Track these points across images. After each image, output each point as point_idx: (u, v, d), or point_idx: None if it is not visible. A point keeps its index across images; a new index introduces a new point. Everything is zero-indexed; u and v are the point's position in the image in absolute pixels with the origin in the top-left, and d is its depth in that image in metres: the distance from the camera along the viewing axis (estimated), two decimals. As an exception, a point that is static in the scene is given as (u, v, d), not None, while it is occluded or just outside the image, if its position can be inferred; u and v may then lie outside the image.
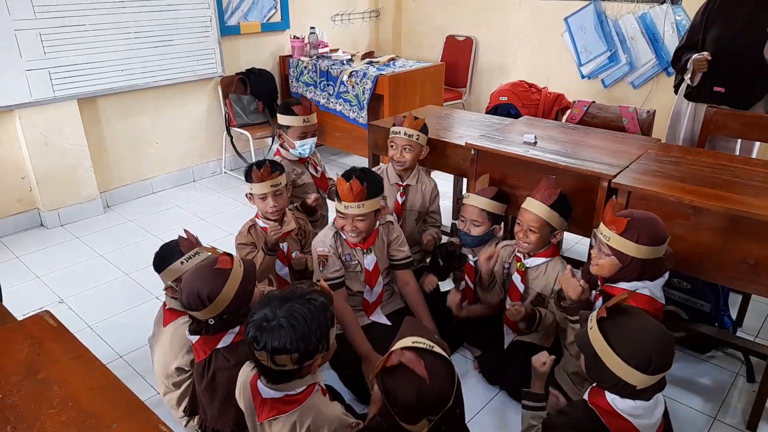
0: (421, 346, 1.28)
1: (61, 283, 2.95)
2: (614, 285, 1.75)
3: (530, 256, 2.12)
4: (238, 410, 1.61)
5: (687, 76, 2.81)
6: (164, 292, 1.95)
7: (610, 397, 1.41)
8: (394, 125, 2.59)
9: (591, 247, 1.88)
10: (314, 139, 2.68)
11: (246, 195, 2.40)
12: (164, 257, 1.92)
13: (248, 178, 2.31)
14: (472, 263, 2.35)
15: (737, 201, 1.84)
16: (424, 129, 2.57)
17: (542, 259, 2.11)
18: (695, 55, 2.70)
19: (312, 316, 1.34)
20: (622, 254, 1.68)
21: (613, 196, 1.93)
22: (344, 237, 2.19)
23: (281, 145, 2.72)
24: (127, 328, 2.56)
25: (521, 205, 2.12)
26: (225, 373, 1.59)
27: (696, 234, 1.90)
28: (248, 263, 1.67)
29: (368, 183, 2.04)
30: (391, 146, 2.59)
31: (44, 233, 3.51)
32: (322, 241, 2.18)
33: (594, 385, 1.48)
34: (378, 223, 2.21)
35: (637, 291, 1.69)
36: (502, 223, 2.44)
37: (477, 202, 2.30)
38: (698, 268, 1.93)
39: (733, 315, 2.45)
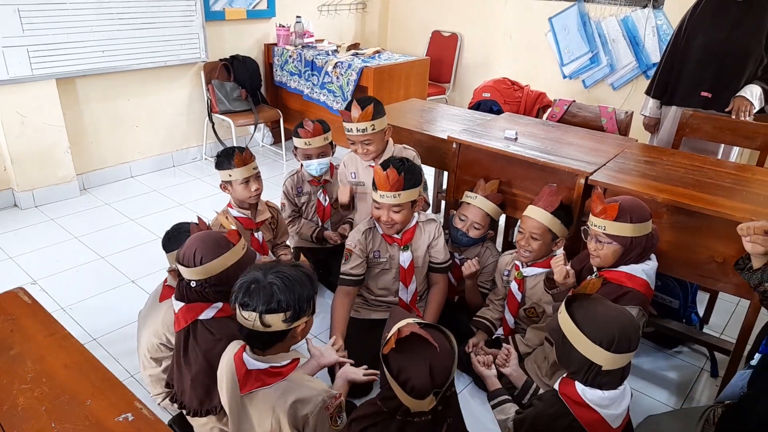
0: (420, 321, 1.31)
1: (34, 264, 2.91)
2: (613, 269, 1.80)
3: (528, 266, 2.13)
4: (205, 390, 1.61)
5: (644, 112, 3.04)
6: (168, 273, 1.94)
7: (580, 388, 1.44)
8: (344, 121, 2.38)
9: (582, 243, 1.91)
10: (321, 161, 2.58)
11: (221, 185, 2.31)
12: (174, 237, 1.92)
13: (225, 165, 2.23)
14: (458, 261, 2.38)
15: (709, 201, 1.89)
16: (378, 113, 2.33)
17: (540, 269, 2.09)
18: None
19: (301, 279, 1.36)
20: (622, 238, 1.74)
21: (598, 188, 1.96)
22: (380, 231, 2.16)
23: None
24: (101, 312, 2.53)
25: (514, 207, 2.12)
26: (204, 347, 1.59)
27: (668, 232, 1.95)
28: (251, 253, 1.69)
29: (406, 173, 2.01)
30: (351, 143, 2.41)
31: (18, 214, 3.44)
32: (353, 235, 2.18)
33: (564, 375, 1.52)
34: (416, 218, 2.17)
35: (635, 275, 1.75)
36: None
37: (485, 206, 2.29)
38: (669, 265, 1.99)
39: (701, 312, 2.52)
